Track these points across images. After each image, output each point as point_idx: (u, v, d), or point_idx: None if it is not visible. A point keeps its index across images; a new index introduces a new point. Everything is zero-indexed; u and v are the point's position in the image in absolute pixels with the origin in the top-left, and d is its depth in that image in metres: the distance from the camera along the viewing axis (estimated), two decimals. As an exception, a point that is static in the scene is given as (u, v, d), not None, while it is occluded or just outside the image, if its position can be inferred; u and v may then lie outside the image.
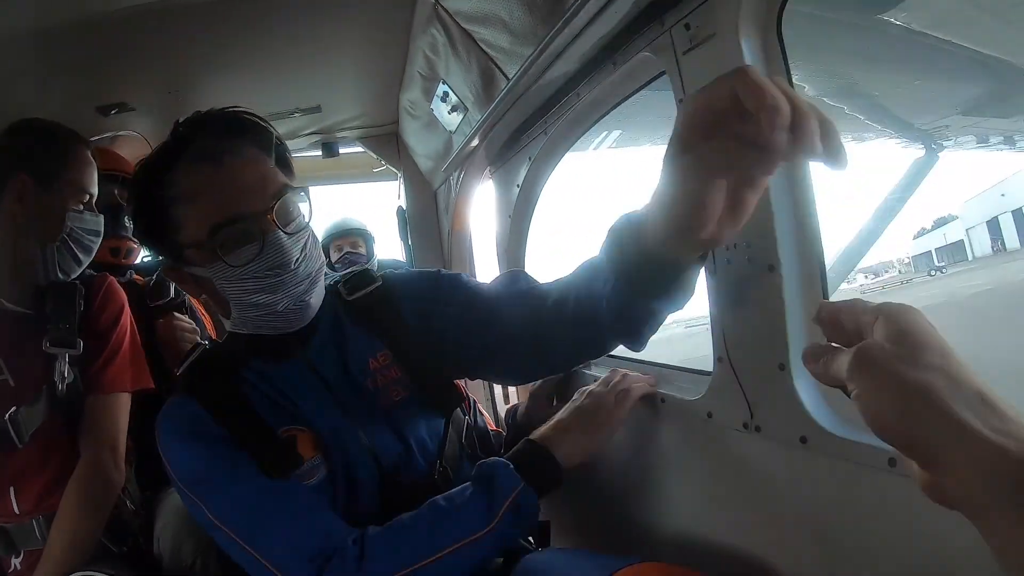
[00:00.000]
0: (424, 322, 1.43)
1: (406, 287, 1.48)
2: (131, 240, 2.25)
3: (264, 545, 1.16)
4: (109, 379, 1.74)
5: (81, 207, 1.77)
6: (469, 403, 1.58)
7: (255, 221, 1.20)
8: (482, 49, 1.75)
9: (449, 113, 2.20)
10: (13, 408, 1.63)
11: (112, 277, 1.88)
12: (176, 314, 2.16)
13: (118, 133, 2.48)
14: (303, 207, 1.29)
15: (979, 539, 0.50)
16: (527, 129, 2.10)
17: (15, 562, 1.69)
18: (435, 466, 1.39)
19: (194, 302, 2.39)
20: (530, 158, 2.15)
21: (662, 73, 1.36)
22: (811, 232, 1.09)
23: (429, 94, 2.25)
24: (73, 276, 1.77)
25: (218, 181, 1.22)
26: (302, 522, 1.19)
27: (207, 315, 2.47)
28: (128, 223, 2.20)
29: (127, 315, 1.85)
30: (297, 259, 1.24)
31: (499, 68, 1.74)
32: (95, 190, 1.81)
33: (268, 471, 1.22)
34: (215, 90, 2.43)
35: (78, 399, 1.71)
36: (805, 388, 1.07)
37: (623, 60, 1.47)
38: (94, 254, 1.83)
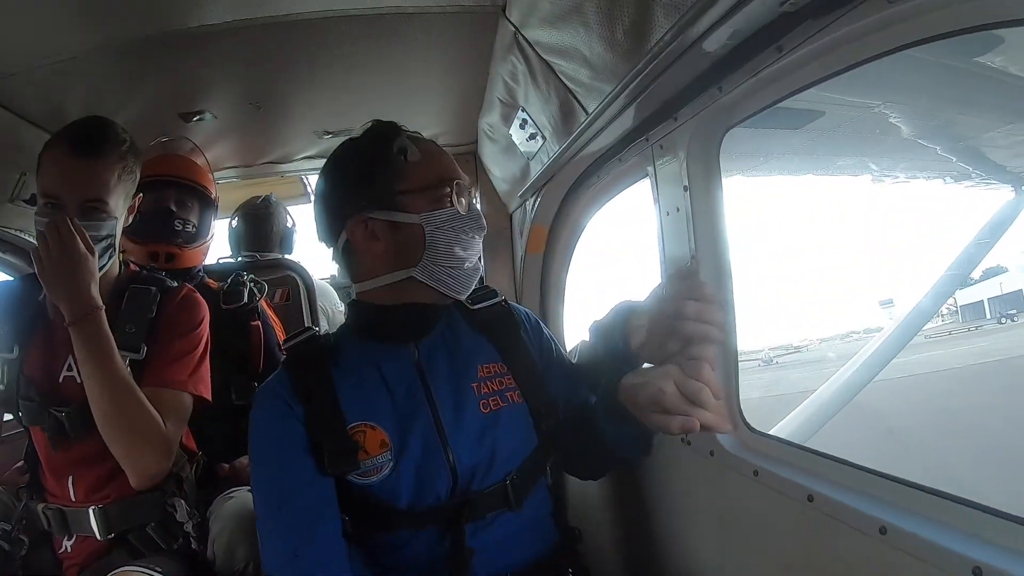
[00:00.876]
0: (535, 350, 1.63)
1: (522, 315, 1.69)
2: (175, 246, 2.36)
3: (268, 536, 1.40)
4: (170, 376, 1.79)
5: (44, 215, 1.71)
6: None
7: (460, 190, 1.50)
8: (562, 81, 1.75)
9: (527, 140, 2.20)
10: (74, 405, 1.73)
11: (189, 289, 1.95)
12: (240, 462, 2.19)
13: (163, 139, 2.57)
14: None
15: None
16: (604, 163, 2.09)
17: (67, 544, 1.80)
18: (509, 474, 1.47)
19: (266, 307, 2.49)
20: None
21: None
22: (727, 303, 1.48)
23: (508, 120, 2.26)
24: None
25: (444, 157, 1.56)
26: (292, 541, 1.36)
27: (277, 320, 2.57)
28: (179, 227, 2.34)
29: (204, 328, 1.91)
30: (483, 229, 1.54)
31: (578, 102, 1.74)
32: (66, 194, 1.69)
33: (325, 463, 1.38)
34: (296, 104, 2.52)
35: None
36: None
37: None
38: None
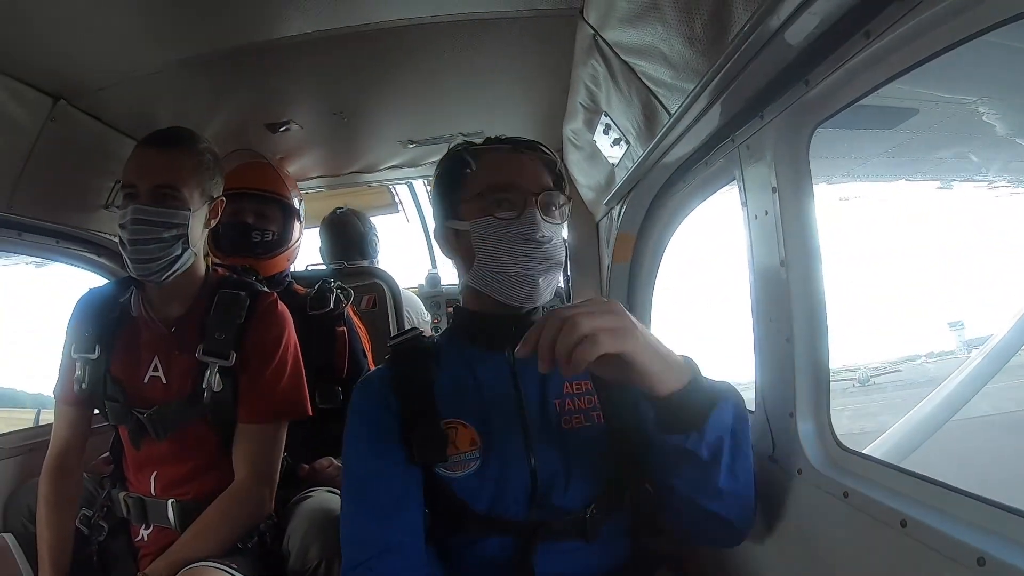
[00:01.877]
0: None
1: None
2: (254, 258, 2.46)
3: (349, 517, 1.49)
4: (267, 409, 1.91)
5: (122, 205, 1.83)
6: None
7: (522, 195, 1.51)
8: (643, 82, 1.74)
9: (612, 146, 2.20)
10: (156, 408, 1.85)
11: (276, 297, 2.02)
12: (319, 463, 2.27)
13: (237, 150, 2.66)
14: (564, 212, 1.59)
15: None
16: (690, 167, 2.06)
17: (144, 533, 1.90)
18: (589, 507, 1.48)
19: (351, 314, 2.58)
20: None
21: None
22: (819, 315, 1.48)
23: (592, 125, 2.27)
24: (162, 272, 1.81)
25: (507, 160, 1.58)
26: (371, 525, 1.44)
27: (363, 327, 2.66)
28: (256, 239, 2.46)
29: (291, 340, 1.99)
30: (544, 237, 1.50)
31: (661, 103, 1.73)
32: (140, 179, 1.79)
33: (414, 451, 1.46)
34: (381, 113, 2.62)
35: (226, 409, 1.87)
36: (805, 431, 1.47)
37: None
38: (162, 243, 1.79)
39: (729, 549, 1.62)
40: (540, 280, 1.51)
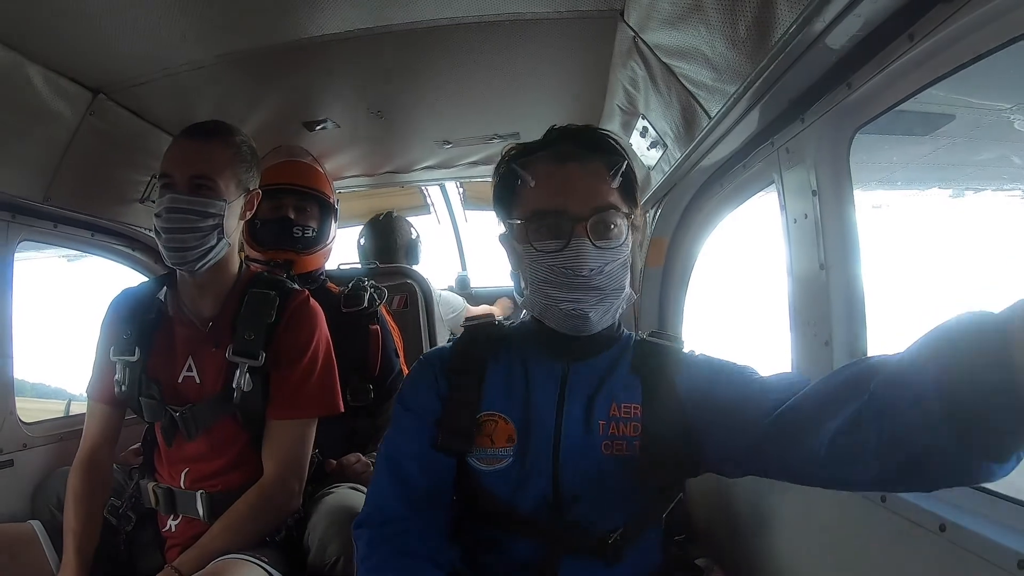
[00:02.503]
0: (692, 409, 1.47)
1: (693, 367, 1.53)
2: (293, 253, 2.52)
3: (376, 477, 1.55)
4: (297, 406, 1.94)
5: (159, 194, 1.86)
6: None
7: (569, 222, 1.41)
8: (683, 85, 1.76)
9: (648, 149, 2.22)
10: (189, 406, 1.89)
11: (308, 294, 2.05)
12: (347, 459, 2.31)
13: (278, 147, 2.73)
14: (622, 229, 1.45)
15: None
16: (728, 171, 2.09)
17: (172, 523, 1.93)
18: (614, 533, 1.47)
19: (384, 313, 2.64)
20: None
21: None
22: (859, 318, 1.48)
23: (628, 128, 2.29)
24: (196, 261, 1.84)
25: (556, 177, 1.46)
26: (388, 482, 1.50)
27: (395, 326, 2.72)
28: (297, 234, 2.51)
29: (322, 337, 2.02)
30: (593, 270, 1.40)
31: (701, 105, 1.75)
32: (177, 169, 1.83)
33: (440, 440, 1.50)
34: (418, 113, 2.66)
35: (256, 408, 1.91)
36: None
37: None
38: (199, 232, 1.82)
39: (766, 555, 1.64)
40: (591, 313, 1.43)
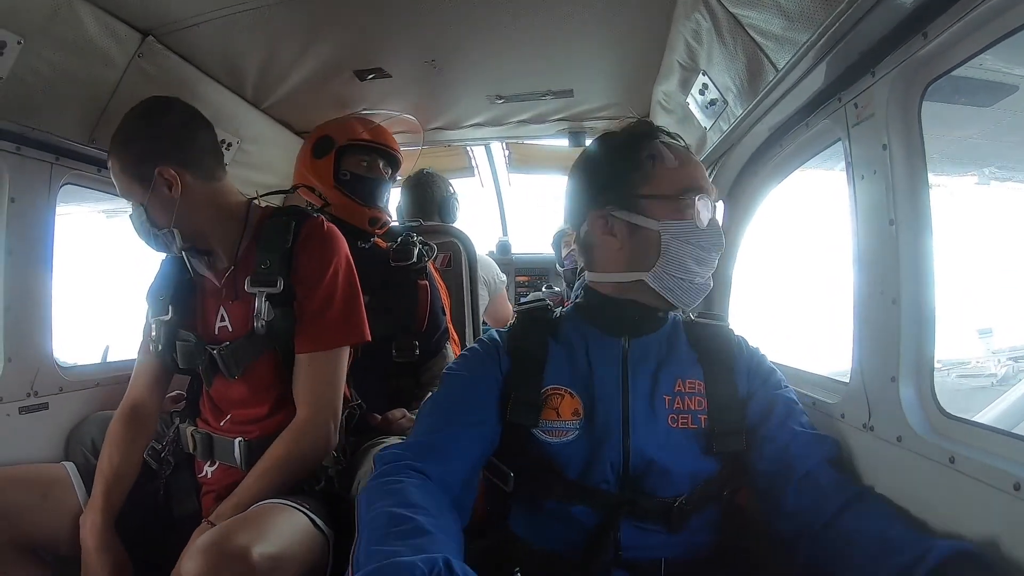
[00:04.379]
0: (745, 393, 1.68)
1: (746, 353, 1.75)
2: (387, 213, 2.66)
3: (417, 421, 1.65)
4: (323, 336, 1.97)
5: None
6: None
7: (710, 202, 1.64)
8: (750, 36, 1.78)
9: (707, 107, 2.24)
10: (226, 344, 1.95)
11: (324, 220, 2.08)
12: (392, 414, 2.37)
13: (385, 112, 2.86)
14: None
15: None
16: (789, 131, 2.11)
17: (208, 469, 2.00)
18: (679, 499, 1.56)
19: (432, 270, 2.73)
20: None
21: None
22: (928, 276, 1.50)
23: (687, 86, 2.30)
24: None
25: (692, 163, 1.69)
26: (427, 424, 1.60)
27: (443, 283, 2.81)
28: (387, 197, 2.66)
29: (342, 260, 2.04)
30: (723, 248, 1.67)
31: (767, 57, 1.76)
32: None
33: (509, 410, 1.60)
34: (471, 64, 2.68)
35: (283, 337, 1.95)
36: (907, 396, 1.50)
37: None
38: (149, 242, 1.97)
39: None
40: (705, 291, 1.68)
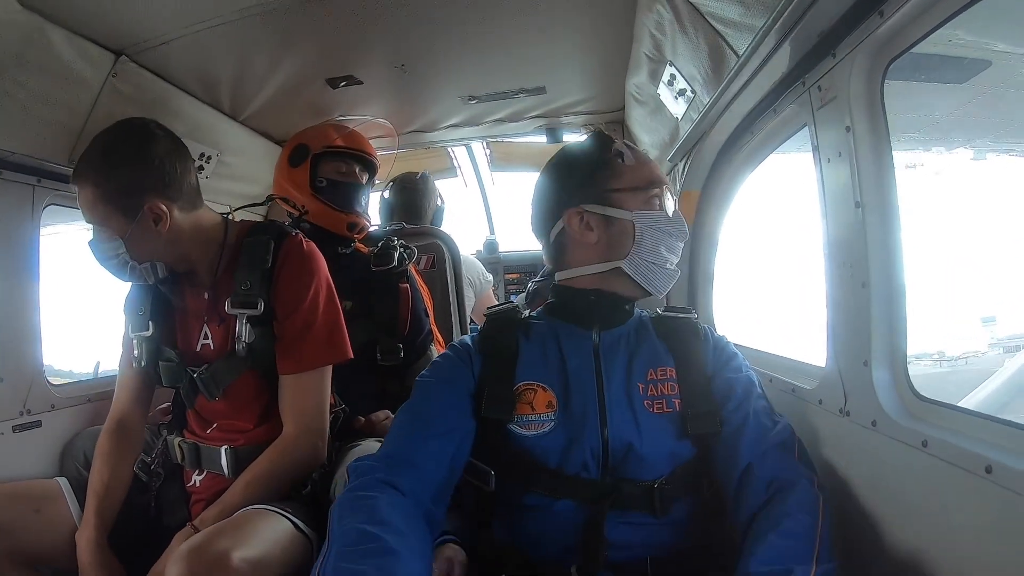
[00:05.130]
0: (711, 374, 1.70)
1: (711, 341, 1.76)
2: (365, 218, 2.62)
3: (391, 431, 1.62)
4: (305, 357, 1.95)
5: None
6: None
7: (670, 196, 1.71)
8: (710, 24, 1.76)
9: (676, 98, 2.21)
10: (205, 366, 1.93)
11: (302, 236, 2.05)
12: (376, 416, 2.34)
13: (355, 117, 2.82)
14: None
15: None
16: (757, 117, 2.07)
17: (196, 478, 1.99)
18: (659, 479, 1.56)
19: (414, 272, 2.69)
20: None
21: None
22: (896, 256, 1.47)
23: (656, 77, 2.28)
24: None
25: (651, 161, 1.78)
26: (400, 433, 1.58)
27: (425, 286, 2.77)
28: (364, 202, 2.62)
29: (322, 280, 2.01)
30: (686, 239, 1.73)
31: (728, 44, 1.74)
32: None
33: (483, 405, 1.60)
34: (442, 66, 2.66)
35: (269, 360, 1.93)
36: (880, 380, 1.47)
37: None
38: (109, 271, 1.91)
39: None
40: (674, 278, 1.73)
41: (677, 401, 1.62)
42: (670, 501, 1.56)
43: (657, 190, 1.68)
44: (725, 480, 1.57)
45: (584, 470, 1.56)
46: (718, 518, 1.65)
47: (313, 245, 2.05)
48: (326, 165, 2.51)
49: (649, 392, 1.62)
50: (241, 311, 1.90)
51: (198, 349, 1.98)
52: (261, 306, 1.90)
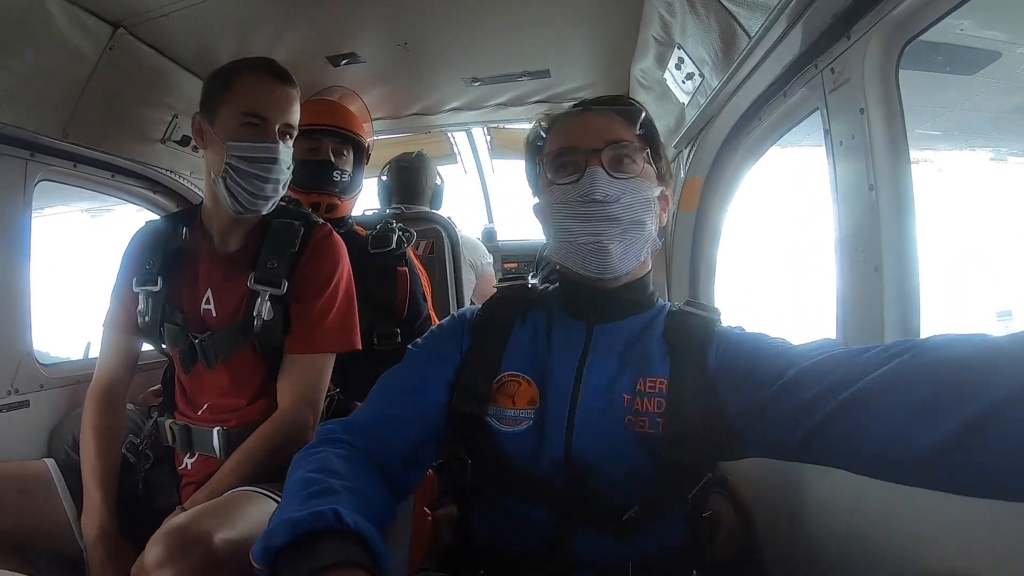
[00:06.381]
0: (720, 383, 1.40)
1: (727, 340, 1.46)
2: (336, 196, 2.52)
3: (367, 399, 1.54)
4: (316, 340, 1.93)
5: (244, 134, 1.84)
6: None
7: (584, 156, 1.44)
8: (722, 3, 1.70)
9: (684, 81, 2.17)
10: (208, 333, 1.89)
11: (331, 228, 2.04)
12: None
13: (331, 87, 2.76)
14: (639, 165, 1.47)
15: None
16: (767, 102, 2.03)
17: (188, 461, 1.94)
18: (630, 510, 1.40)
19: (412, 256, 2.61)
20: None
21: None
22: (910, 240, 1.43)
23: (663, 61, 2.23)
24: (264, 208, 1.89)
25: (576, 123, 1.52)
26: (371, 402, 1.51)
27: (424, 271, 2.70)
28: (337, 178, 2.50)
29: (344, 272, 2.00)
30: (608, 196, 1.41)
31: (740, 24, 1.69)
32: (272, 114, 1.84)
33: (456, 395, 1.49)
34: (445, 46, 2.61)
35: (275, 339, 1.90)
36: None
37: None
38: (280, 181, 1.88)
39: (792, 512, 1.60)
40: (611, 246, 1.43)
41: (661, 420, 1.40)
42: (641, 527, 1.42)
43: (564, 158, 1.48)
44: (753, 411, 1.27)
45: (551, 478, 1.44)
46: (705, 530, 1.57)
47: (339, 237, 2.04)
48: (299, 145, 2.36)
49: (634, 406, 1.42)
50: (265, 288, 1.88)
51: (200, 312, 1.94)
52: (285, 287, 1.88)
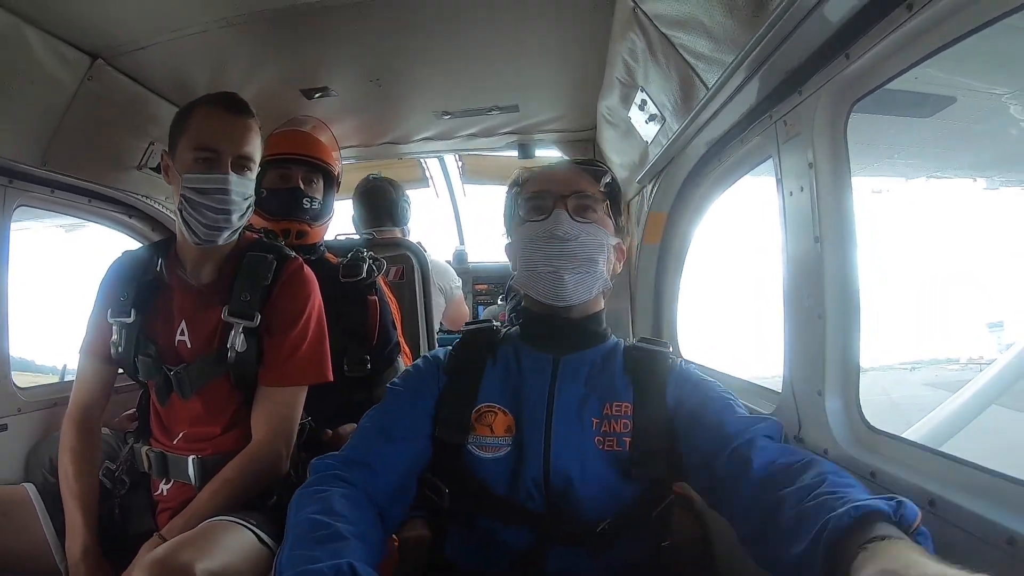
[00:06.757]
0: (675, 414, 1.59)
1: (678, 371, 1.66)
2: (305, 223, 2.54)
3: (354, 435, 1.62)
4: (289, 373, 1.96)
5: (196, 168, 1.84)
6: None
7: (552, 200, 1.66)
8: (682, 56, 1.77)
9: (646, 122, 2.23)
10: (183, 365, 1.91)
11: (302, 262, 2.06)
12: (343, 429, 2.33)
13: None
14: (599, 215, 1.69)
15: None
16: (725, 145, 2.09)
17: (163, 487, 1.95)
18: (602, 523, 1.51)
19: (383, 284, 2.65)
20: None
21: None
22: (852, 293, 1.49)
23: (627, 101, 2.29)
24: (219, 239, 1.89)
25: (550, 174, 1.76)
26: (361, 437, 1.59)
27: (393, 299, 2.74)
28: (307, 205, 2.52)
29: (315, 305, 2.03)
30: (570, 236, 1.62)
31: (699, 76, 1.75)
32: (224, 146, 1.85)
33: (438, 429, 1.60)
34: (417, 81, 2.66)
35: (249, 370, 1.93)
36: (833, 410, 1.50)
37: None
38: (232, 212, 1.86)
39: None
40: (567, 276, 1.62)
41: (628, 440, 1.56)
42: (613, 543, 1.53)
43: (535, 201, 1.69)
44: (702, 471, 1.46)
45: (530, 500, 1.54)
46: (669, 548, 1.66)
47: (310, 270, 2.07)
48: (269, 175, 2.42)
49: (602, 428, 1.57)
50: (238, 321, 1.90)
51: (175, 344, 1.95)
52: (257, 319, 1.91)
